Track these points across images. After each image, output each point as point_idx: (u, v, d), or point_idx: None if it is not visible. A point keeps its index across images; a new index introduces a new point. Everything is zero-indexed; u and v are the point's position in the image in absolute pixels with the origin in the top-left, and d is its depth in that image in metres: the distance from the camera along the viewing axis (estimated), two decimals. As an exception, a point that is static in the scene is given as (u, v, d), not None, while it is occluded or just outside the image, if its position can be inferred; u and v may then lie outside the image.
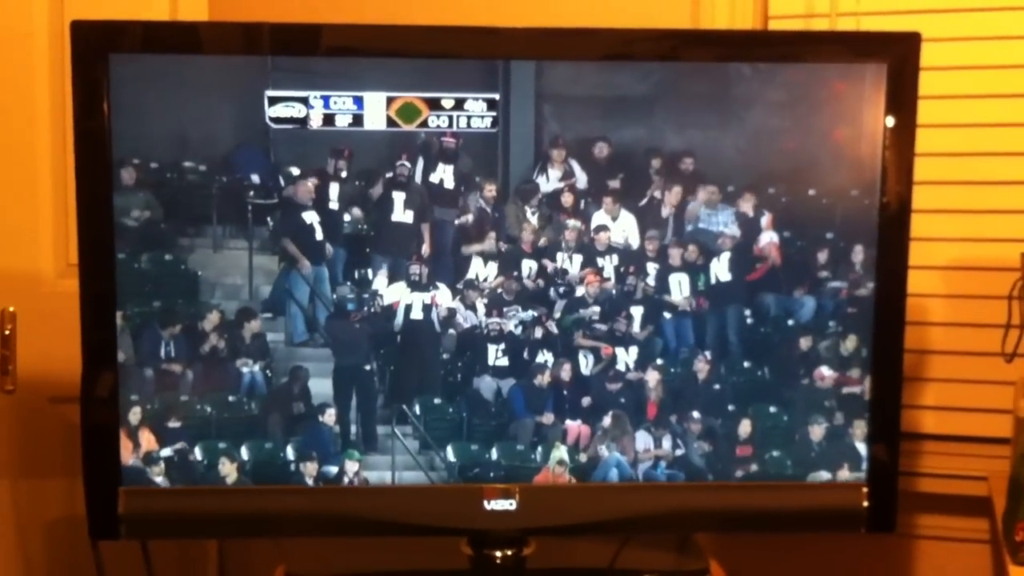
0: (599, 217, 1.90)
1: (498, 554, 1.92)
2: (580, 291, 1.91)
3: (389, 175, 1.87)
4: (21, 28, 2.16)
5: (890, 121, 1.84)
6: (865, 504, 1.91)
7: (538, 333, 1.91)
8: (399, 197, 1.88)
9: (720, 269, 1.91)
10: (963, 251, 2.32)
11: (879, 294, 1.88)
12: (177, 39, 1.83)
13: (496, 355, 1.91)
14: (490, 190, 1.88)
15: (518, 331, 1.91)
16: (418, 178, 1.87)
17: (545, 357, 1.92)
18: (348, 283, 1.89)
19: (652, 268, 1.91)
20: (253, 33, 1.82)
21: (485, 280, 1.90)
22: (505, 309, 1.90)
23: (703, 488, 1.93)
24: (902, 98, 1.84)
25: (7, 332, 2.10)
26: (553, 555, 1.96)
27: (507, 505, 1.88)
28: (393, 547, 1.97)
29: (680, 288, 1.91)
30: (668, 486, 1.92)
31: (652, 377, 1.92)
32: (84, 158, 1.78)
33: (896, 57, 1.83)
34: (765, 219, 1.89)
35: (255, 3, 2.25)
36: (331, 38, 1.81)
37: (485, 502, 1.88)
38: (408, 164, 1.86)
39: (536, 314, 1.91)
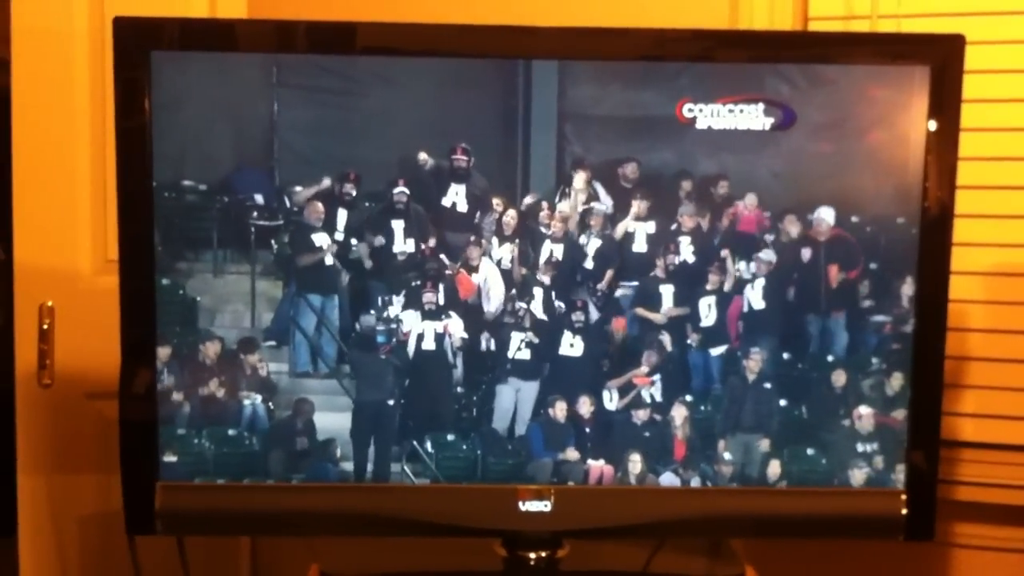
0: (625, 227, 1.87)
1: (532, 556, 1.91)
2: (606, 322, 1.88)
3: (395, 197, 1.84)
4: (62, 25, 2.17)
5: (933, 125, 1.83)
6: (904, 512, 1.89)
7: (557, 362, 1.87)
8: (400, 224, 1.84)
9: (755, 296, 1.89)
10: (1004, 256, 2.30)
11: (919, 301, 1.86)
12: (218, 37, 1.84)
13: (513, 393, 1.88)
14: (508, 214, 1.85)
15: (537, 361, 1.87)
16: (428, 201, 1.84)
17: (564, 390, 1.88)
18: (359, 312, 1.86)
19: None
20: (290, 31, 1.82)
21: (501, 305, 1.87)
22: (520, 336, 1.88)
23: (739, 493, 1.91)
24: (945, 102, 1.82)
25: (45, 327, 2.12)
26: (587, 558, 1.95)
27: (541, 506, 1.87)
28: (427, 547, 1.97)
29: (710, 312, 1.88)
30: (704, 490, 1.90)
31: (679, 414, 1.89)
32: (125, 155, 1.79)
33: (939, 60, 1.82)
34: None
35: (293, 1, 2.25)
36: (367, 37, 1.81)
37: (520, 503, 1.87)
38: (406, 191, 1.83)
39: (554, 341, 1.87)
